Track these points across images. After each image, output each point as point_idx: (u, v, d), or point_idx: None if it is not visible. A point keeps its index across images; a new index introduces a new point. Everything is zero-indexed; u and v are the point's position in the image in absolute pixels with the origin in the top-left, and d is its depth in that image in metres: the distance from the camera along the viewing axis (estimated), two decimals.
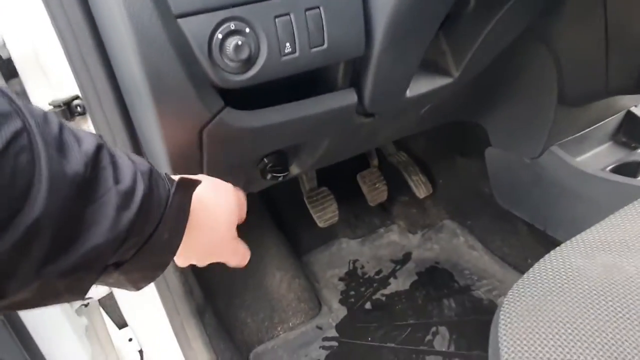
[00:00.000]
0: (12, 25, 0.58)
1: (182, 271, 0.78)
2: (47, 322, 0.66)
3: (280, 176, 0.74)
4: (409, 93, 0.66)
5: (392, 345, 0.94)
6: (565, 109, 0.85)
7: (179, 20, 0.44)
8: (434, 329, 0.95)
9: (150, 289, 0.77)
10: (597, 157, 0.95)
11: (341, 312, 1.02)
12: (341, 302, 1.05)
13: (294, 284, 1.03)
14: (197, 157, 0.57)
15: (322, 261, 1.15)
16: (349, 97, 0.61)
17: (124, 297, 0.78)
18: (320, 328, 0.99)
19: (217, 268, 1.00)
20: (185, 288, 0.78)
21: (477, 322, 0.95)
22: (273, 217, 1.11)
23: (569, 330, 0.42)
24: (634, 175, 0.89)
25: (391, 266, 1.13)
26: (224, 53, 0.47)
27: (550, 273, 0.47)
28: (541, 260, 0.50)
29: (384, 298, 1.05)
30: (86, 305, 0.78)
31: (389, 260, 1.14)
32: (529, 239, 1.01)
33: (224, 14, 0.45)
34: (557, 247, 0.51)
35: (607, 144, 0.97)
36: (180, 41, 0.45)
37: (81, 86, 0.60)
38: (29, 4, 0.56)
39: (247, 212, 0.54)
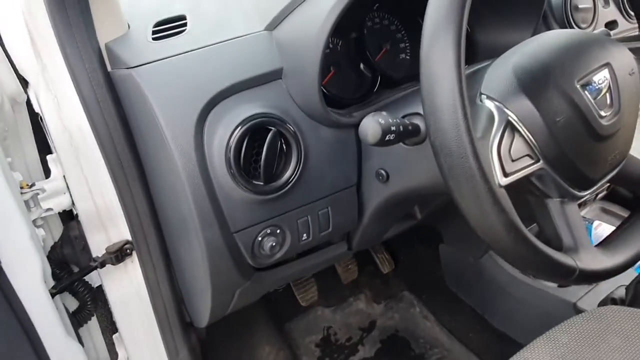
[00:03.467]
0: (80, 186, 0.73)
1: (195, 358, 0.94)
2: None
3: (280, 289, 0.93)
4: (384, 237, 0.87)
5: None
6: None
7: (234, 234, 0.62)
8: None
9: None
10: None
11: None
12: None
13: (279, 356, 1.22)
14: (230, 300, 0.75)
15: (301, 328, 1.34)
16: (341, 248, 0.81)
17: None
18: None
19: (221, 348, 1.17)
20: None
21: None
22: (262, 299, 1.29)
23: None
24: None
25: (359, 333, 1.33)
26: (262, 248, 0.65)
27: None
28: None
29: None
30: None
31: (357, 328, 1.35)
32: (471, 318, 1.24)
33: (263, 225, 0.64)
34: None
35: None
36: (233, 246, 0.63)
37: (133, 234, 0.76)
38: (99, 174, 0.71)
39: None
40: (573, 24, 0.79)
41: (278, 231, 0.66)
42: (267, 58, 0.61)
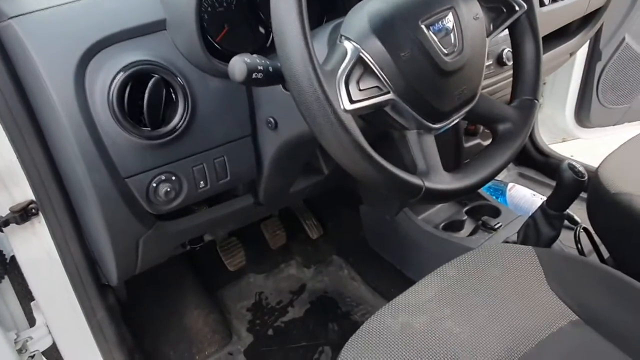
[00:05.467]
0: None
1: (117, 323, 0.96)
2: None
3: (196, 247, 0.97)
4: (291, 190, 0.92)
5: None
6: None
7: (126, 179, 0.65)
8: (320, 348, 1.23)
9: (89, 340, 0.95)
10: (437, 212, 1.28)
11: (248, 339, 1.26)
12: (248, 330, 1.29)
13: (208, 319, 1.25)
14: (135, 252, 0.77)
15: (233, 294, 1.38)
16: (247, 200, 0.86)
17: (67, 347, 0.95)
18: (231, 354, 1.22)
19: (147, 312, 1.20)
20: (118, 338, 0.97)
21: None
22: (190, 263, 1.32)
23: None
24: (460, 229, 1.23)
25: (289, 296, 1.39)
26: (157, 195, 0.68)
27: (373, 327, 0.75)
28: (371, 317, 0.77)
29: (283, 325, 1.30)
30: (32, 357, 0.94)
31: (288, 292, 1.40)
32: (392, 274, 1.32)
33: (157, 171, 0.67)
34: (381, 308, 0.79)
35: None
36: (126, 192, 0.66)
37: (35, 192, 0.77)
38: None
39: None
40: None
41: (173, 178, 0.69)
42: (149, 9, 0.64)
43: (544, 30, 1.22)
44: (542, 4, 1.17)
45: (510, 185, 1.63)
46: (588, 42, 1.60)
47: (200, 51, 0.64)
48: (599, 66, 1.70)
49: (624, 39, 1.66)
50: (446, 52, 0.57)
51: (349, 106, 0.51)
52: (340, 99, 0.51)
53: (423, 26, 0.56)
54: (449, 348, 0.71)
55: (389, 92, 0.55)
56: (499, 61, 0.96)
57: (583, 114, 1.84)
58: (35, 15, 0.60)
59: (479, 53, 0.61)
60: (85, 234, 0.83)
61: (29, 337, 0.91)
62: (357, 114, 0.52)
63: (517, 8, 0.67)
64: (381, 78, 0.54)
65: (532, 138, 1.86)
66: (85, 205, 0.70)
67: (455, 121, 0.62)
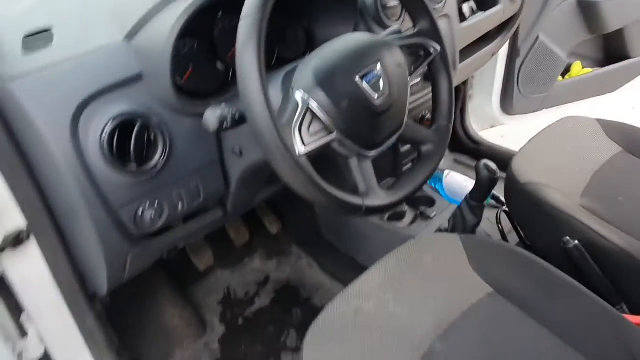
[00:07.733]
0: None
1: (105, 327, 1.07)
2: None
3: (172, 256, 1.09)
4: (256, 200, 1.06)
5: (259, 348, 1.35)
6: None
7: (118, 210, 0.76)
8: (286, 332, 1.39)
9: (82, 345, 1.05)
10: None
11: (221, 329, 1.40)
12: (221, 321, 1.43)
13: (183, 314, 1.38)
14: (123, 267, 0.89)
15: (203, 290, 1.51)
16: (217, 213, 0.98)
17: (60, 354, 1.05)
18: (207, 344, 1.36)
19: (128, 314, 1.31)
20: (107, 340, 1.08)
21: None
22: (162, 266, 1.43)
23: (336, 343, 0.85)
24: (402, 218, 1.41)
25: (255, 288, 1.53)
26: (143, 220, 0.80)
27: (329, 315, 0.90)
28: (327, 305, 0.93)
29: (251, 314, 1.45)
30: None
31: (253, 284, 1.55)
32: (345, 261, 1.49)
33: (142, 200, 0.79)
34: (336, 297, 0.94)
35: None
36: (118, 220, 0.77)
37: (29, 221, 0.86)
38: None
39: None
40: (384, 18, 0.99)
41: (156, 204, 0.81)
42: (126, 65, 0.74)
43: (467, 40, 1.40)
44: (463, 20, 1.33)
45: (446, 172, 1.83)
46: (508, 41, 1.80)
47: (174, 97, 0.75)
48: (518, 61, 1.91)
49: (538, 37, 1.87)
50: (376, 97, 0.72)
51: (303, 150, 0.65)
52: (296, 146, 0.65)
53: (358, 78, 0.70)
54: (393, 325, 0.87)
55: (333, 132, 0.69)
56: (426, 78, 1.12)
57: (507, 103, 2.06)
58: (28, 78, 0.69)
59: (403, 93, 0.77)
60: (76, 254, 0.93)
61: (24, 348, 1.01)
62: (310, 154, 0.66)
63: (431, 51, 0.82)
64: (326, 123, 0.68)
65: (464, 127, 2.07)
66: (80, 232, 0.81)
67: (387, 146, 0.78)
